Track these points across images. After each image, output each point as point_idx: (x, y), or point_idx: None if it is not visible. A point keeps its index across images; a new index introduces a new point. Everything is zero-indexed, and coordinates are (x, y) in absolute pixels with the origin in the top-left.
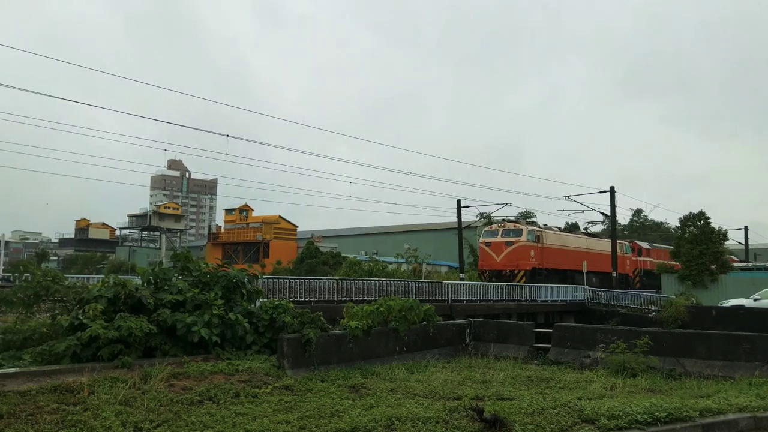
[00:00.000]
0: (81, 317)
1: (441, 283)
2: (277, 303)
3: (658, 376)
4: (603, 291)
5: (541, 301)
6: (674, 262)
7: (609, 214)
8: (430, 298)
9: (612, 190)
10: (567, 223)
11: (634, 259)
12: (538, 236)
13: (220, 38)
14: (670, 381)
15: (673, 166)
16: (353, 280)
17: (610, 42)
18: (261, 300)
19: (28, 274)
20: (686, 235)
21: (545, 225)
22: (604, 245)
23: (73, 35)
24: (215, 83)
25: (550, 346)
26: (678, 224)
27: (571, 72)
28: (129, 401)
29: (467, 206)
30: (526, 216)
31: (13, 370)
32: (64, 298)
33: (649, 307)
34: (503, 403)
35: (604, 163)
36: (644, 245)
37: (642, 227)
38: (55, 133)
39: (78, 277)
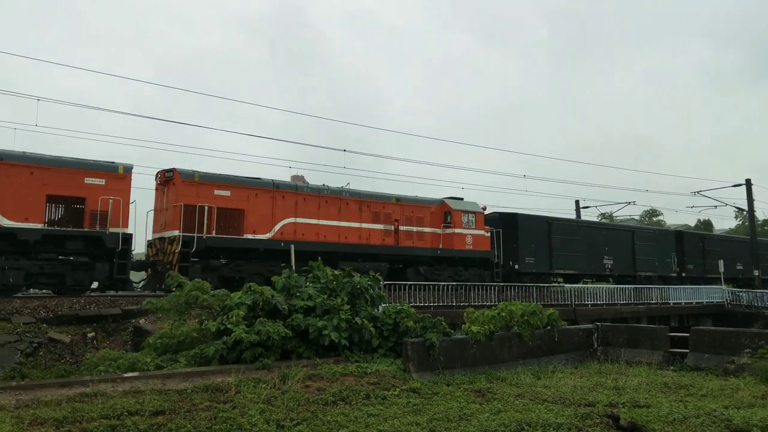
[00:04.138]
0: (225, 323)
1: (563, 286)
2: (399, 308)
3: None
4: (745, 292)
5: (673, 303)
6: None
7: (745, 208)
8: (552, 302)
9: (748, 183)
10: (699, 221)
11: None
12: None
13: (337, 57)
14: None
15: None
16: (471, 284)
17: (732, 21)
18: (384, 305)
19: (180, 285)
20: None
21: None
22: None
23: (202, 66)
24: (336, 98)
25: (686, 351)
26: None
27: (691, 56)
28: (271, 400)
29: (587, 207)
30: (651, 215)
31: (171, 371)
32: (210, 306)
33: None
34: (640, 410)
35: (737, 152)
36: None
37: None
38: (200, 158)
39: None
